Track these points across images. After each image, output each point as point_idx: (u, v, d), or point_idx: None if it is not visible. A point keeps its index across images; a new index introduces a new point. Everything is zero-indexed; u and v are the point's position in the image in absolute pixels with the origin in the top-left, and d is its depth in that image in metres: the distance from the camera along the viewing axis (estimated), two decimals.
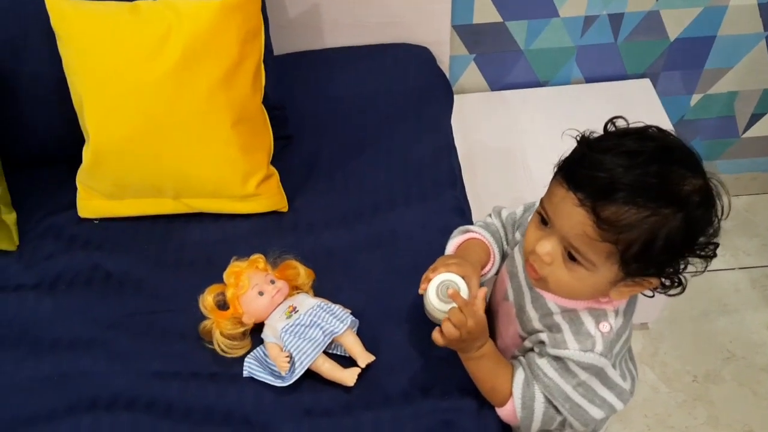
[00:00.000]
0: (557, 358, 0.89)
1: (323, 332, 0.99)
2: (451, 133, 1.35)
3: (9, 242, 1.21)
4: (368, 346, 1.01)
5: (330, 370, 0.99)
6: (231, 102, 1.13)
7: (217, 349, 1.03)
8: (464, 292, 0.89)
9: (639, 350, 1.76)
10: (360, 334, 1.03)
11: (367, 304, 1.07)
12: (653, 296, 0.88)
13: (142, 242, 1.21)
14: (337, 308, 1.02)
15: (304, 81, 1.43)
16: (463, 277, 0.90)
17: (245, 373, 1.02)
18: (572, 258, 0.82)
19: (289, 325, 1.00)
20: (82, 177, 1.21)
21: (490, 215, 1.08)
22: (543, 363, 0.90)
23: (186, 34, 1.08)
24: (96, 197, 1.22)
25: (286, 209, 1.24)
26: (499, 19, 1.56)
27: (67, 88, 1.17)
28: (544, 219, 0.84)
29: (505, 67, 1.66)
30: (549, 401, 0.90)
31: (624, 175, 0.76)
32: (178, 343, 1.07)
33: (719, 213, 0.80)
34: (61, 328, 1.10)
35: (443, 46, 1.54)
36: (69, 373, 1.05)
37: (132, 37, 1.10)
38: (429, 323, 0.95)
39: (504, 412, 0.94)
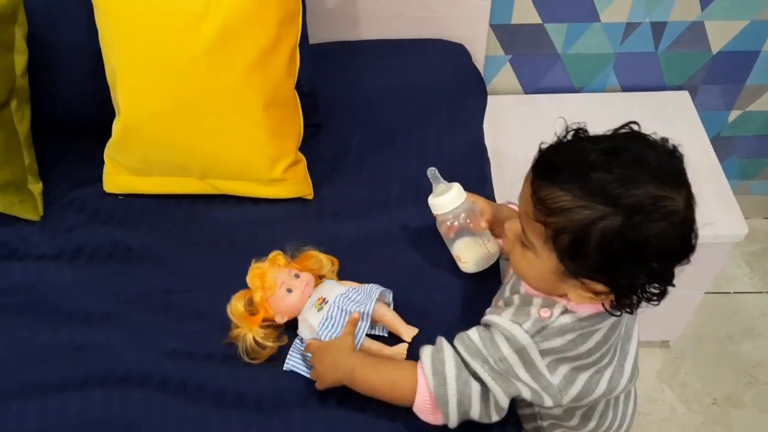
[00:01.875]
0: (486, 327, 0.88)
1: (360, 316, 0.97)
2: (482, 132, 1.33)
3: (33, 212, 1.21)
4: (388, 340, 1.00)
5: (378, 350, 0.98)
6: (264, 84, 1.12)
7: (246, 357, 0.99)
8: (456, 189, 1.00)
9: (659, 368, 1.72)
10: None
11: None
12: (619, 315, 0.84)
13: (165, 220, 1.20)
14: (363, 287, 1.00)
15: (338, 70, 1.41)
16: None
17: (286, 367, 0.99)
18: (524, 245, 0.83)
19: (324, 320, 0.97)
20: (110, 151, 1.21)
21: None
22: (471, 330, 0.89)
23: (224, 12, 1.07)
24: (123, 172, 1.22)
25: (311, 197, 1.22)
26: (539, 20, 1.53)
27: (102, 60, 1.16)
28: None
29: (541, 70, 1.64)
30: (462, 363, 0.86)
31: (574, 162, 0.76)
32: (194, 323, 1.06)
33: (687, 242, 0.76)
34: (79, 299, 1.09)
35: (479, 45, 1.52)
36: (84, 345, 1.04)
37: (170, 13, 1.09)
38: (452, 317, 0.97)
39: (419, 400, 0.88)
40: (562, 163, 0.77)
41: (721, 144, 1.78)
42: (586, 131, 0.81)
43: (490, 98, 1.47)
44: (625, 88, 1.68)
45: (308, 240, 1.15)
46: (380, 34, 1.49)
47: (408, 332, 0.99)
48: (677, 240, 0.76)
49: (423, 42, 1.48)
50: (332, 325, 0.97)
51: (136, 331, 1.06)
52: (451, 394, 0.86)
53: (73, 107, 1.28)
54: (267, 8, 1.09)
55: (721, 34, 1.55)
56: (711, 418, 1.65)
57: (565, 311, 0.85)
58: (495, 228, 1.04)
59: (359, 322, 0.97)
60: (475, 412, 0.87)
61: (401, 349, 0.98)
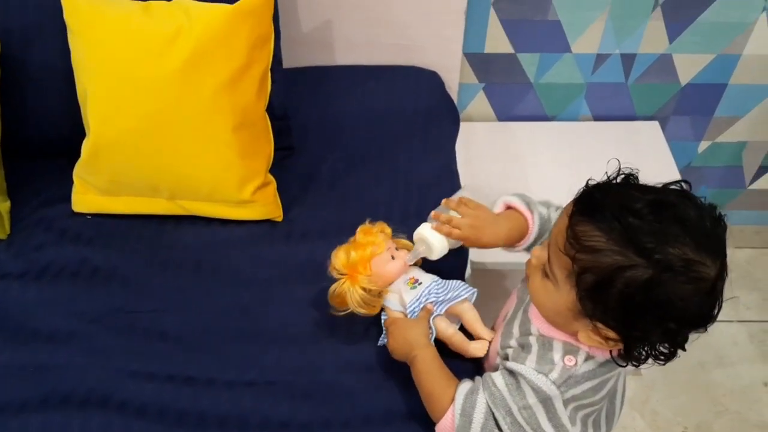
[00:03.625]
0: (511, 373, 0.87)
1: (451, 298, 0.99)
2: (455, 158, 1.35)
3: (0, 230, 1.20)
4: (366, 360, 1.02)
5: (460, 342, 0.99)
6: (234, 106, 1.13)
7: (355, 308, 0.99)
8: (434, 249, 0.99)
9: (630, 396, 1.72)
10: (361, 347, 1.04)
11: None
12: (625, 365, 0.84)
13: (133, 240, 1.20)
14: (452, 282, 1.02)
15: (311, 95, 1.43)
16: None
17: (380, 342, 1.01)
18: (546, 275, 0.84)
19: (416, 299, 0.99)
20: (79, 170, 1.21)
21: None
22: (496, 374, 0.89)
23: (196, 35, 1.08)
24: (91, 192, 1.21)
25: (280, 218, 1.22)
26: (511, 50, 1.56)
27: (74, 81, 1.17)
28: None
29: (514, 98, 1.66)
30: (490, 413, 0.87)
31: (618, 206, 0.76)
32: (158, 344, 1.06)
33: (709, 311, 0.76)
34: (42, 318, 1.09)
35: (453, 73, 1.54)
36: (45, 365, 1.03)
37: (142, 35, 1.10)
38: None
39: (441, 426, 0.89)
40: (607, 204, 0.77)
41: (691, 174, 1.81)
42: (636, 178, 0.81)
43: (464, 125, 1.49)
44: (597, 117, 1.71)
45: (276, 262, 1.16)
46: (355, 60, 1.51)
47: (488, 333, 1.00)
48: (700, 307, 0.75)
49: (397, 69, 1.50)
50: (420, 308, 0.98)
51: (99, 351, 1.05)
52: None
53: (44, 127, 1.28)
54: (239, 32, 1.11)
55: (689, 67, 1.59)
56: None
57: (588, 357, 0.85)
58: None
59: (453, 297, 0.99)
60: None
61: (483, 345, 0.99)
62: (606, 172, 0.83)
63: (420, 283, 1.02)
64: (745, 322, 1.89)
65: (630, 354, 0.81)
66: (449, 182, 1.29)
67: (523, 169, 1.58)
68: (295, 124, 1.34)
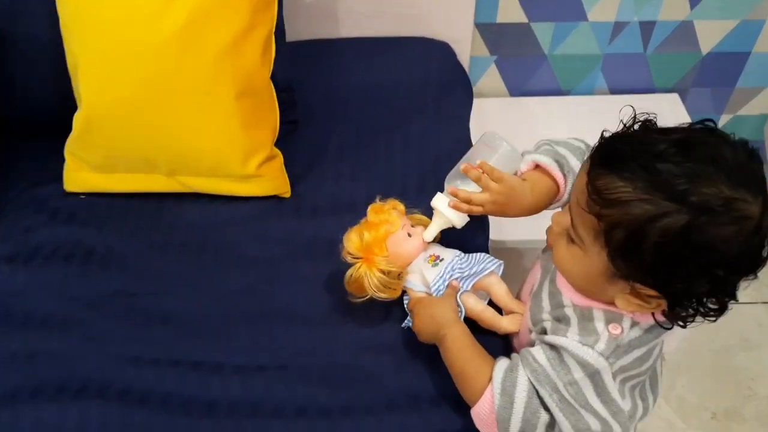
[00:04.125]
0: (553, 348, 0.80)
1: (477, 272, 0.92)
2: (469, 129, 1.27)
3: None
4: (387, 341, 0.95)
5: (491, 318, 0.92)
6: (237, 72, 1.05)
7: (374, 292, 0.91)
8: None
9: None
10: (381, 328, 0.96)
11: None
12: (670, 327, 0.77)
13: (130, 220, 1.12)
14: (476, 255, 0.95)
15: (317, 68, 1.35)
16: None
17: (404, 325, 0.93)
18: (571, 240, 0.77)
19: (439, 276, 0.91)
20: (71, 146, 1.12)
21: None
22: (535, 349, 0.81)
23: None
24: (84, 169, 1.13)
25: (288, 194, 1.14)
26: (525, 19, 1.48)
27: (64, 53, 1.09)
28: None
29: (527, 72, 1.59)
30: (534, 390, 0.79)
31: (640, 152, 0.69)
32: (160, 328, 0.98)
33: (757, 253, 0.69)
34: (33, 303, 1.00)
35: (464, 44, 1.46)
36: (38, 353, 0.94)
37: None
38: None
39: (479, 409, 0.81)
40: (627, 151, 0.69)
41: None
42: (655, 123, 0.74)
43: (475, 102, 1.41)
44: (613, 91, 1.64)
45: (285, 240, 1.08)
46: (360, 32, 1.43)
47: (518, 307, 0.92)
48: (746, 249, 0.68)
49: (405, 40, 1.42)
50: (445, 286, 0.91)
51: (96, 337, 0.96)
52: (515, 420, 0.79)
53: (33, 102, 1.19)
54: None
55: (710, 35, 1.52)
56: None
57: (633, 324, 0.78)
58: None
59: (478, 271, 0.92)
60: None
61: (515, 320, 0.92)
62: (621, 120, 0.75)
63: (441, 260, 0.94)
64: None
65: (675, 313, 0.73)
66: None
67: None
68: (300, 99, 1.26)
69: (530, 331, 0.88)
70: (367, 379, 0.91)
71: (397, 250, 0.93)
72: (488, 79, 1.60)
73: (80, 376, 0.91)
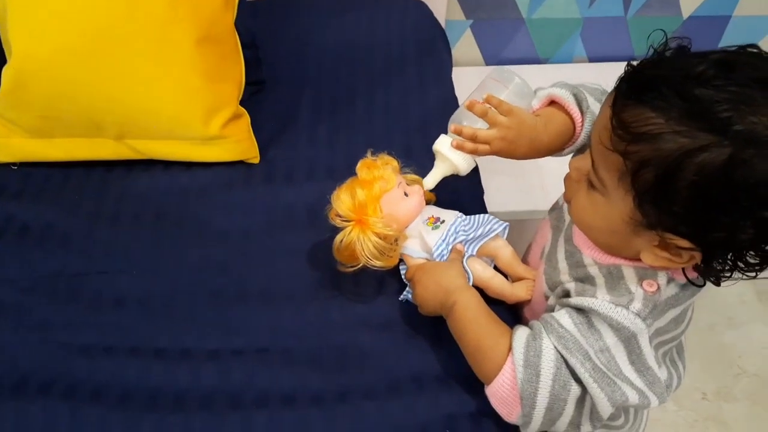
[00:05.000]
0: (580, 311, 0.68)
1: (482, 234, 0.82)
2: (454, 87, 1.16)
3: None
4: (383, 317, 0.83)
5: (501, 285, 0.82)
6: (197, 15, 0.91)
7: (368, 260, 0.78)
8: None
9: None
10: (375, 302, 0.84)
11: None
12: (702, 285, 0.67)
13: (71, 192, 0.96)
14: (479, 217, 0.85)
15: (283, 27, 1.22)
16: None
17: (403, 297, 0.82)
18: (592, 186, 0.67)
19: (442, 239, 0.80)
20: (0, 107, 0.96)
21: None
22: (559, 314, 0.70)
23: None
24: (17, 134, 0.97)
25: (257, 160, 1.01)
26: None
27: None
28: None
29: (504, 37, 1.49)
30: (562, 360, 0.67)
31: (675, 77, 0.58)
32: (113, 312, 0.83)
33: None
34: None
35: (439, 6, 1.35)
36: None
37: None
38: None
39: (498, 385, 0.69)
40: (660, 77, 0.58)
41: None
42: (689, 49, 0.62)
43: None
44: (593, 59, 1.56)
45: (257, 210, 0.95)
46: None
47: (528, 272, 0.83)
48: None
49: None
50: (449, 250, 0.80)
51: (36, 325, 0.82)
52: (542, 395, 0.67)
53: None
54: None
55: None
56: (703, 414, 1.50)
57: (669, 280, 0.67)
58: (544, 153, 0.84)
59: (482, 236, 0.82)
60: (564, 422, 0.69)
61: (527, 287, 0.82)
62: (651, 46, 0.64)
63: (442, 222, 0.83)
64: (752, 280, 1.76)
65: (710, 267, 0.63)
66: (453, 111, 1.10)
67: None
68: (265, 59, 1.13)
69: (546, 298, 0.77)
70: (363, 361, 0.78)
71: (394, 211, 0.81)
72: (464, 46, 1.50)
73: (18, 372, 0.77)
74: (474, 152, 0.79)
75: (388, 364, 0.78)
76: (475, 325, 0.73)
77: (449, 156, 0.81)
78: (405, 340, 0.80)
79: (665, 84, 0.57)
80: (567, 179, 0.73)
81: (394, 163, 0.85)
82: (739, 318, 1.69)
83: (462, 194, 0.95)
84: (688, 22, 1.50)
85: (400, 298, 0.82)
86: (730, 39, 1.53)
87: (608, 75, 1.61)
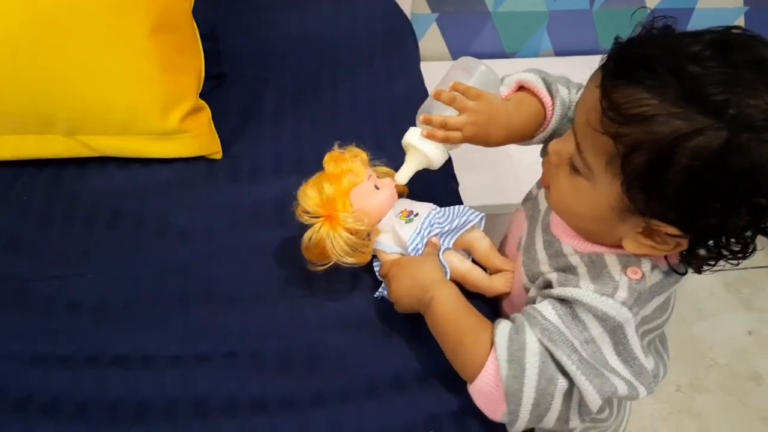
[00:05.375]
0: (563, 302, 0.66)
1: (458, 226, 0.79)
2: (423, 78, 1.12)
3: None
4: (358, 316, 0.78)
5: (478, 278, 0.78)
6: (151, 0, 0.85)
7: (340, 257, 0.74)
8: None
9: None
10: (349, 300, 0.79)
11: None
12: (684, 273, 0.65)
13: (19, 192, 0.90)
14: (453, 208, 0.81)
15: (244, 19, 1.17)
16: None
17: (378, 294, 0.78)
18: (576, 170, 0.64)
19: (416, 233, 0.76)
20: None
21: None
22: (542, 305, 0.67)
23: None
24: None
25: (219, 155, 0.96)
26: None
27: None
28: None
29: (470, 32, 1.47)
30: (547, 353, 0.64)
31: (668, 55, 0.55)
32: (68, 318, 0.77)
33: None
34: None
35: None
36: None
37: None
38: None
39: (482, 383, 0.66)
40: (651, 56, 0.56)
41: None
42: (673, 29, 0.60)
43: None
44: (559, 53, 1.55)
45: (220, 208, 0.90)
46: None
47: (507, 264, 0.79)
48: None
49: None
50: (424, 243, 0.77)
51: None
52: (528, 391, 0.64)
53: None
54: None
55: None
56: (678, 407, 1.50)
57: (653, 267, 0.65)
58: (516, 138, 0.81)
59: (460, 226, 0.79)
60: (552, 418, 0.65)
61: (506, 279, 0.78)
62: (640, 23, 0.63)
63: (416, 215, 0.79)
64: (719, 271, 1.74)
65: (695, 255, 0.61)
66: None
67: None
68: (226, 51, 1.08)
69: (526, 290, 0.74)
70: (338, 361, 0.74)
71: (364, 205, 0.77)
72: (429, 41, 1.47)
73: None
74: (446, 140, 0.76)
75: (364, 364, 0.74)
76: (454, 321, 0.69)
77: (420, 147, 0.78)
78: (382, 338, 0.76)
79: (659, 63, 0.55)
80: (545, 163, 0.70)
81: (363, 155, 0.81)
82: (708, 309, 1.70)
83: (436, 186, 0.91)
84: (654, 14, 1.49)
85: (375, 295, 0.78)
86: None
87: (575, 69, 1.62)
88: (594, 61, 1.55)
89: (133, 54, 0.86)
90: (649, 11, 1.49)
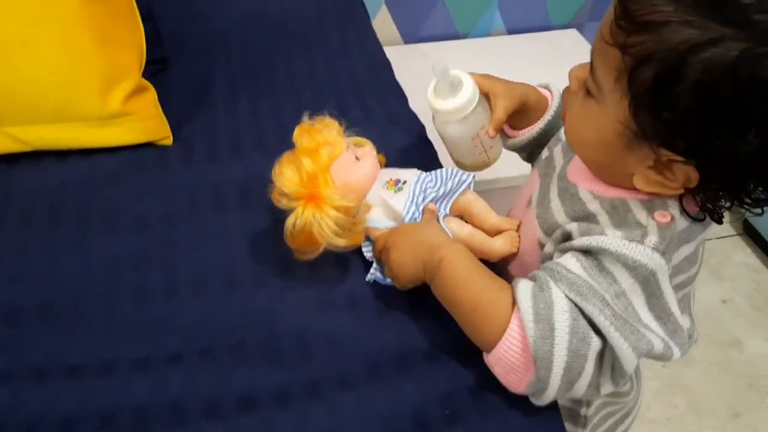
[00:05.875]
0: (587, 253, 0.58)
1: (452, 189, 0.72)
2: (381, 47, 1.06)
3: None
4: (349, 296, 0.70)
5: (481, 241, 0.70)
6: None
7: (331, 239, 0.65)
8: (467, 91, 0.72)
9: None
10: (337, 282, 0.71)
11: None
12: (703, 219, 0.59)
13: None
14: (441, 171, 0.74)
15: (182, 0, 1.08)
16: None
17: (370, 278, 0.69)
18: (589, 93, 0.58)
19: (410, 202, 0.69)
20: None
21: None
22: (565, 258, 0.59)
23: None
24: None
25: (170, 141, 0.85)
26: None
27: None
28: None
29: (421, 13, 1.42)
30: (577, 310, 0.56)
31: None
32: (8, 328, 0.65)
33: None
34: None
35: None
36: None
37: None
38: None
39: (505, 348, 0.58)
40: None
41: None
42: None
43: None
44: (511, 31, 1.51)
45: (176, 194, 0.80)
46: None
47: (508, 223, 0.72)
48: None
49: None
50: (420, 211, 0.69)
51: None
52: (559, 353, 0.55)
53: None
54: None
55: None
56: (666, 382, 1.46)
57: (682, 210, 0.58)
58: (514, 119, 0.79)
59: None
60: (583, 384, 0.57)
61: (511, 239, 0.70)
62: None
63: (404, 182, 0.72)
64: None
65: (708, 195, 0.55)
66: (385, 70, 1.02)
67: None
68: (167, 33, 0.98)
69: (541, 246, 0.67)
70: (332, 346, 0.64)
71: (347, 179, 0.69)
72: (380, 25, 1.41)
73: None
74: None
75: (362, 345, 0.64)
76: (469, 282, 0.61)
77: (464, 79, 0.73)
78: (379, 315, 0.67)
79: None
80: (565, 93, 0.65)
81: (336, 125, 0.72)
82: None
83: (412, 155, 0.84)
84: None
85: (367, 279, 0.69)
86: None
87: (528, 46, 1.57)
88: (547, 38, 1.52)
89: (65, 24, 0.76)
90: None
